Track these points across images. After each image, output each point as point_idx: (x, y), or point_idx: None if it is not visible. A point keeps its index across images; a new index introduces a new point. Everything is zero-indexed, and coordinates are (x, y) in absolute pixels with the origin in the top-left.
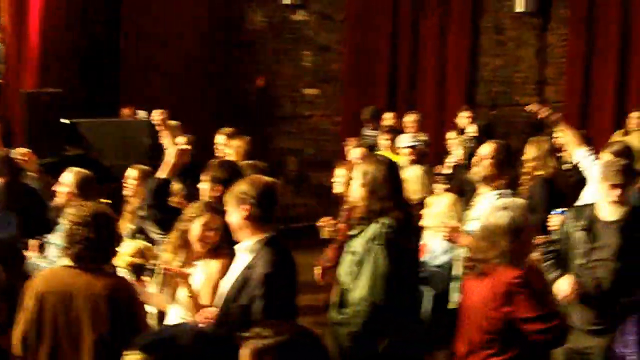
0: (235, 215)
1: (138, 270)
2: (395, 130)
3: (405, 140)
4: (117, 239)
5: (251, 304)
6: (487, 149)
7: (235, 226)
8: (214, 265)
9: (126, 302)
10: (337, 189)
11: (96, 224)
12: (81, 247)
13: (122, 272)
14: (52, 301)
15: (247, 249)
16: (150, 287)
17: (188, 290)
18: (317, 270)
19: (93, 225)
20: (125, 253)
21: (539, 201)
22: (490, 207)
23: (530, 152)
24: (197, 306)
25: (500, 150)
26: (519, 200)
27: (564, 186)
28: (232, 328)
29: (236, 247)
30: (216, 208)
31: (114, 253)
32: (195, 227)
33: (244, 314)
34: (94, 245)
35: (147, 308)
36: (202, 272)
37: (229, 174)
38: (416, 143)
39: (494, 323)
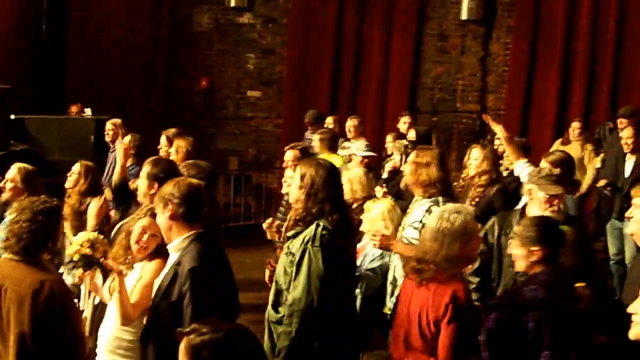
0: (161, 217)
1: (87, 260)
2: (332, 132)
3: (359, 148)
4: (57, 233)
5: (180, 299)
6: (412, 155)
7: (163, 227)
8: (149, 266)
9: (49, 304)
10: (286, 189)
11: (35, 218)
12: (16, 239)
13: (71, 262)
14: None
15: (175, 248)
16: (99, 279)
17: (118, 286)
18: (267, 272)
19: (32, 218)
20: (76, 243)
21: (500, 210)
22: (440, 210)
23: (478, 159)
24: (124, 303)
25: (429, 157)
26: (469, 207)
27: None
28: (163, 324)
29: (168, 247)
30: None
31: (52, 245)
32: (134, 229)
33: (173, 309)
34: (30, 238)
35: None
36: (138, 273)
37: (165, 171)
38: (371, 154)
39: (434, 331)
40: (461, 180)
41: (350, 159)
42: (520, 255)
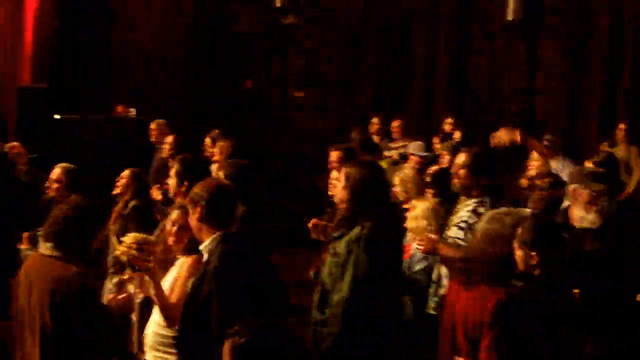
0: (192, 218)
1: (135, 262)
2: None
3: (416, 148)
4: (92, 232)
5: (208, 299)
6: (462, 157)
7: (194, 229)
8: (185, 262)
9: (67, 299)
10: (332, 190)
11: (73, 210)
12: (48, 224)
13: (117, 264)
14: (22, 287)
15: (205, 249)
16: (147, 278)
17: (153, 286)
18: (311, 271)
19: (69, 209)
20: (123, 244)
21: None
22: (493, 212)
23: (538, 160)
24: (162, 304)
25: (475, 159)
26: (523, 210)
27: None
28: (195, 324)
29: (200, 247)
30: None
31: (85, 244)
32: (167, 224)
33: (203, 309)
34: (62, 225)
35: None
36: (176, 270)
37: (194, 170)
38: (427, 154)
39: (479, 334)
40: (525, 181)
41: (404, 158)
42: (519, 256)
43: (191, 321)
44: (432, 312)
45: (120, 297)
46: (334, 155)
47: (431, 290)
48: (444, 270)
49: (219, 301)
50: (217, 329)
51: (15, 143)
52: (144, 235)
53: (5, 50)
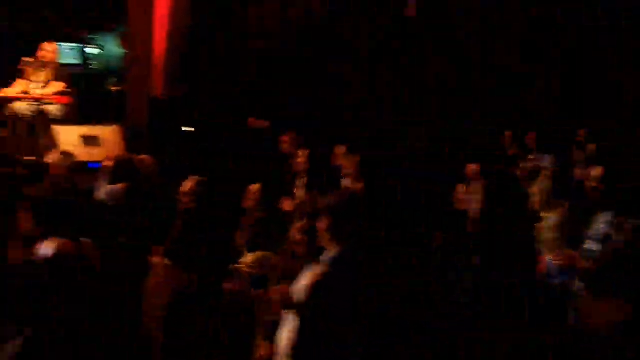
0: (320, 227)
1: (255, 279)
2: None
3: (547, 161)
4: (204, 243)
5: (320, 309)
6: (598, 170)
7: (321, 237)
8: (313, 270)
9: (169, 304)
10: (459, 204)
11: (185, 227)
12: (171, 245)
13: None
14: (149, 292)
15: (327, 259)
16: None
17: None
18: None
19: (184, 227)
20: (244, 262)
21: None
22: (630, 225)
23: None
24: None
25: (608, 174)
26: None
27: None
28: (309, 332)
29: (323, 256)
30: (310, 214)
31: (199, 253)
32: (295, 232)
33: (316, 318)
34: (178, 245)
35: None
36: (305, 278)
37: (321, 183)
38: (562, 165)
39: (610, 347)
40: None
41: (539, 171)
42: None
43: (306, 329)
44: (570, 323)
45: (234, 285)
46: (471, 168)
47: (570, 302)
48: (580, 283)
49: (329, 312)
50: (330, 338)
51: (145, 156)
52: (265, 253)
53: (139, 57)
